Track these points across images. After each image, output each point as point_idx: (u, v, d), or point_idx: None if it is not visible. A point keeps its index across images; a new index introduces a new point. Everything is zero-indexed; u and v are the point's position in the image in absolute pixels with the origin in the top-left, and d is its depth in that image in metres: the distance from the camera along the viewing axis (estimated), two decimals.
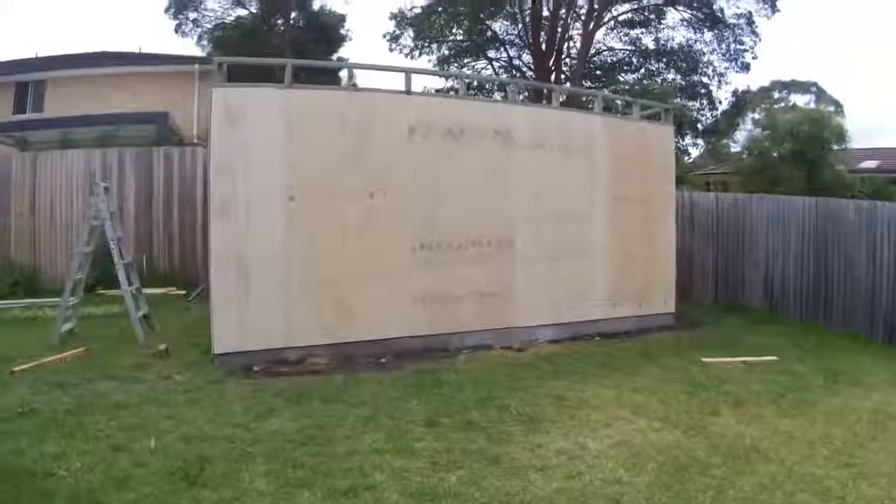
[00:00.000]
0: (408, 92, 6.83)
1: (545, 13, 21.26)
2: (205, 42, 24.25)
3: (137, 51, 18.22)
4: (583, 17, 21.20)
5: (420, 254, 6.76)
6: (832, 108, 20.53)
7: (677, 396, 5.22)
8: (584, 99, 10.46)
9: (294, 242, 6.24)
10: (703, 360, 6.37)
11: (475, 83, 21.20)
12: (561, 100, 8.35)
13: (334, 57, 24.87)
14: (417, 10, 21.79)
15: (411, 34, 22.15)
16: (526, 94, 18.21)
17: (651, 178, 8.26)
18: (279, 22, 24.28)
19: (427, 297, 6.78)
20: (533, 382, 5.65)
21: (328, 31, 23.60)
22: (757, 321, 8.82)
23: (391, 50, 22.91)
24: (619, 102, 7.81)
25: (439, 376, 5.77)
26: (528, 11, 21.16)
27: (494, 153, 7.16)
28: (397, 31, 22.24)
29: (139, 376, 5.65)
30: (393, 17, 22.39)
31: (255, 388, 5.43)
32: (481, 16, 20.75)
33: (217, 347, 6.01)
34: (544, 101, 11.61)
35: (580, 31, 21.53)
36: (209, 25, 23.97)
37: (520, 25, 22.11)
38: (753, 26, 21.04)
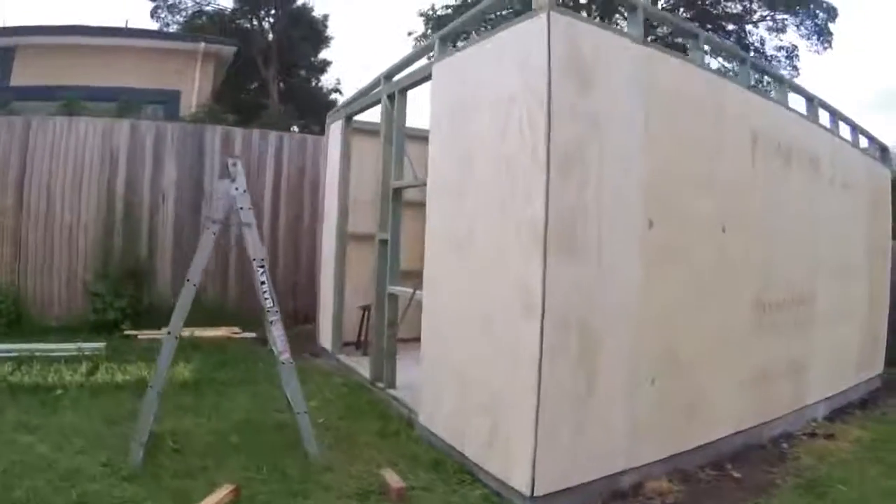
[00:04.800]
0: (750, 86, 4.35)
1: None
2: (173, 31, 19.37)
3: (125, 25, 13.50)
4: None
5: (757, 314, 4.23)
6: None
7: None
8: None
9: (649, 297, 3.44)
10: None
11: None
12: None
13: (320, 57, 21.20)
14: (447, 10, 18.43)
15: (429, 32, 18.48)
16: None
17: (884, 224, 6.48)
18: (259, 15, 20.03)
19: (759, 373, 4.26)
20: None
21: (315, 29, 19.95)
22: None
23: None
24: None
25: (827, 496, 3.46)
26: None
27: (807, 184, 4.89)
28: (429, 31, 18.48)
29: None
30: (422, 14, 19.09)
31: None
32: None
33: (539, 485, 2.99)
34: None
35: None
36: (188, 13, 19.17)
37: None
38: (794, 60, 18.60)
